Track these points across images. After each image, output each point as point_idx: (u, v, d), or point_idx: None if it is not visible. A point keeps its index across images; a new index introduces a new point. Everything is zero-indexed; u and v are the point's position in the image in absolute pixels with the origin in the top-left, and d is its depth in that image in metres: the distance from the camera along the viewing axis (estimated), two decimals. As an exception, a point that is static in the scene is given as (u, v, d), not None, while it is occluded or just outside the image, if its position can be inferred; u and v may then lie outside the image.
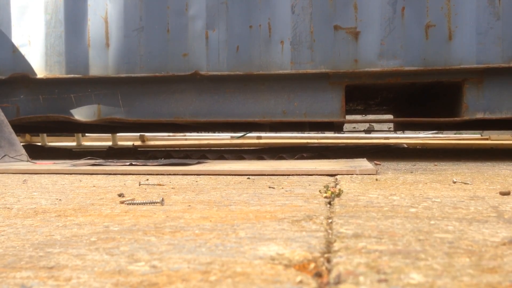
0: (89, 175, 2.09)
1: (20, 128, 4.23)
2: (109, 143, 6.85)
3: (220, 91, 3.12)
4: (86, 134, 7.34)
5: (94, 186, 1.68)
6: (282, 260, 0.68)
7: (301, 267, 0.65)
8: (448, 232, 0.83)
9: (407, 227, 0.87)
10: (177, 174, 2.06)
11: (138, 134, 6.95)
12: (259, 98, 3.08)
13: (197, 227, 0.92)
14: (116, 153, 4.36)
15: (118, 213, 1.10)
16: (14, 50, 3.32)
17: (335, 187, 1.50)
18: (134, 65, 3.16)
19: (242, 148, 5.57)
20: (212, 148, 5.45)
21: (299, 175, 1.96)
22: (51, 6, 3.26)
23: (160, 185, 1.66)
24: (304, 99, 3.04)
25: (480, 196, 1.27)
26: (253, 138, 7.00)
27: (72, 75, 3.23)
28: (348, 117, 6.00)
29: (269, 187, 1.55)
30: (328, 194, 1.31)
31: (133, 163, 2.43)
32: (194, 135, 7.59)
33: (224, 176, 1.96)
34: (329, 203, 1.20)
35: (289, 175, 1.97)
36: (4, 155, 2.79)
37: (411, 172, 2.06)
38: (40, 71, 3.29)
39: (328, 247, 0.75)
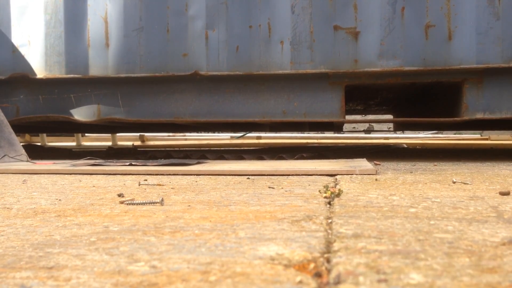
0: (89, 175, 2.09)
1: (20, 128, 4.23)
2: (109, 143, 6.85)
3: (220, 91, 3.12)
4: (86, 134, 7.34)
5: (93, 186, 1.68)
6: (282, 260, 0.68)
7: (301, 267, 0.65)
8: (447, 232, 0.83)
9: (406, 227, 0.87)
10: (177, 174, 2.06)
11: (138, 134, 6.95)
12: (259, 98, 3.08)
13: (196, 227, 0.92)
14: (115, 153, 4.36)
15: (117, 213, 1.10)
16: (14, 50, 3.32)
17: (335, 187, 1.50)
18: (134, 65, 3.16)
19: (242, 148, 5.57)
20: (212, 148, 5.45)
21: (299, 175, 1.96)
22: (50, 6, 3.26)
23: (159, 185, 1.66)
24: (304, 99, 3.04)
25: (480, 196, 1.27)
26: (253, 138, 7.00)
27: (72, 75, 3.23)
28: (348, 117, 6.00)
29: (269, 187, 1.55)
30: (327, 194, 1.31)
31: (132, 163, 2.43)
32: (194, 135, 7.59)
33: (224, 176, 1.96)
34: (329, 203, 1.20)
35: (288, 175, 1.97)
36: (4, 155, 2.79)
37: (410, 172, 2.06)
38: (40, 71, 3.29)
39: (328, 247, 0.75)
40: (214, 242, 0.80)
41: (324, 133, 7.87)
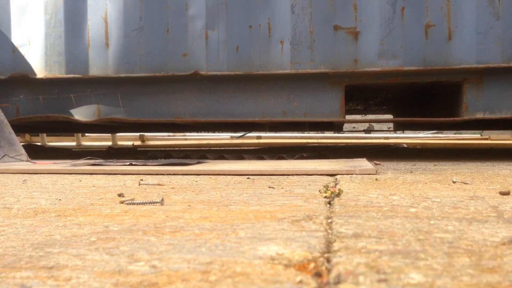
0: (89, 175, 2.09)
1: (20, 128, 4.23)
2: (109, 143, 6.85)
3: (220, 91, 3.12)
4: (86, 134, 7.34)
5: (94, 186, 1.68)
6: (282, 260, 0.68)
7: (301, 267, 0.65)
8: (448, 232, 0.83)
9: (407, 227, 0.87)
10: (177, 174, 2.06)
11: (138, 134, 6.94)
12: (259, 98, 3.08)
13: (197, 227, 0.92)
14: (116, 153, 4.36)
15: (118, 213, 1.10)
16: (14, 50, 3.32)
17: (335, 187, 1.50)
18: (134, 65, 3.16)
19: (242, 148, 5.57)
20: (212, 148, 5.45)
21: (299, 175, 1.96)
22: (50, 6, 3.26)
23: (160, 185, 1.66)
24: (304, 99, 3.04)
25: (480, 196, 1.27)
26: (253, 138, 7.00)
27: (72, 75, 3.23)
28: (348, 117, 6.00)
29: (269, 187, 1.55)
30: (328, 194, 1.31)
31: (133, 163, 2.43)
32: (194, 135, 7.59)
33: (224, 176, 1.96)
34: (329, 203, 1.20)
35: (289, 175, 1.97)
36: (4, 155, 2.79)
37: (410, 172, 2.06)
38: (40, 71, 3.29)
39: (328, 247, 0.75)
40: (214, 242, 0.80)
41: (324, 133, 7.87)
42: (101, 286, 0.58)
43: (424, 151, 4.47)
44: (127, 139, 7.27)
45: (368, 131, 7.68)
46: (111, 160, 2.88)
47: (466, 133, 7.82)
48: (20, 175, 2.14)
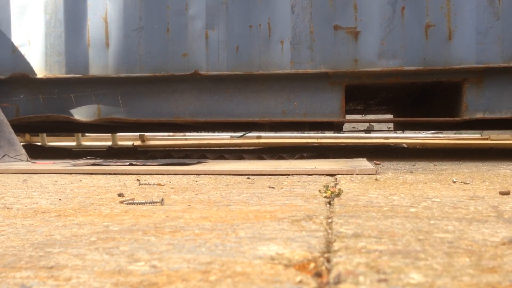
0: (89, 175, 2.09)
1: (20, 128, 4.23)
2: (109, 143, 6.85)
3: (220, 91, 3.12)
4: (86, 134, 7.34)
5: (94, 186, 1.68)
6: (282, 260, 0.68)
7: (301, 267, 0.65)
8: (448, 232, 0.83)
9: (407, 227, 0.87)
10: (177, 174, 2.06)
11: (138, 134, 6.94)
12: (259, 98, 3.08)
13: (197, 227, 0.92)
14: (116, 153, 4.36)
15: (118, 213, 1.10)
16: (14, 50, 3.32)
17: (335, 187, 1.50)
18: (134, 65, 3.16)
19: (242, 148, 5.57)
20: (212, 148, 5.45)
21: (299, 175, 1.96)
22: (50, 6, 3.26)
23: (160, 185, 1.66)
24: (304, 99, 3.04)
25: (480, 196, 1.27)
26: (253, 138, 7.00)
27: (72, 75, 3.23)
28: (348, 117, 6.00)
29: (269, 187, 1.55)
30: (328, 194, 1.31)
31: (133, 163, 2.43)
32: (194, 135, 7.59)
33: (224, 176, 1.96)
34: (329, 202, 1.20)
35: (289, 175, 1.97)
36: (4, 155, 2.79)
37: (410, 172, 2.06)
38: (40, 71, 3.29)
39: (328, 247, 0.75)
40: (214, 241, 0.80)
41: (324, 133, 7.87)
42: (101, 286, 0.58)
43: (424, 151, 4.47)
44: (127, 139, 7.27)
45: (368, 131, 7.68)
46: (111, 160, 2.88)
47: (466, 133, 7.81)
48: (20, 175, 2.14)
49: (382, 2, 2.90)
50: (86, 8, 3.22)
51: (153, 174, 2.08)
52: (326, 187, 1.43)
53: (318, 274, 0.61)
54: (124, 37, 3.17)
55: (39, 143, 6.55)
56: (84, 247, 0.78)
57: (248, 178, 1.87)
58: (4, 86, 3.34)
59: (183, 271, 0.63)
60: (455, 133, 7.89)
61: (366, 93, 4.23)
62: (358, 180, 1.72)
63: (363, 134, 7.51)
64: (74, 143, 7.00)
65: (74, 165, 2.41)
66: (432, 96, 3.95)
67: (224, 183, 1.69)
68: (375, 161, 2.72)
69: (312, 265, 0.66)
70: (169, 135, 7.39)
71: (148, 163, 2.39)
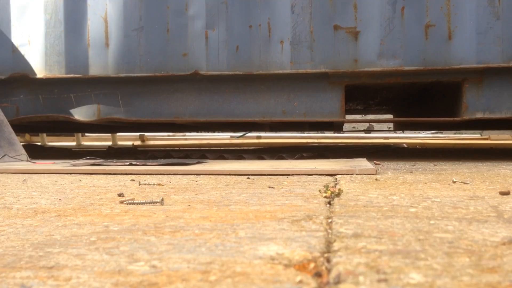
0: (89, 175, 2.09)
1: (20, 128, 4.23)
2: (109, 143, 6.85)
3: (219, 91, 3.12)
4: (86, 134, 7.34)
5: (94, 186, 1.68)
6: (282, 260, 0.68)
7: (301, 267, 0.65)
8: (447, 232, 0.83)
9: (406, 227, 0.87)
10: (177, 174, 2.06)
11: (138, 134, 6.94)
12: (258, 98, 3.08)
13: (197, 227, 0.92)
14: (115, 153, 4.36)
15: (117, 213, 1.10)
16: (14, 50, 3.32)
17: (335, 187, 1.50)
18: (134, 65, 3.16)
19: (242, 148, 5.57)
20: (211, 148, 5.45)
21: (298, 175, 1.96)
22: (50, 6, 3.26)
23: (160, 185, 1.66)
24: (304, 99, 3.04)
25: (480, 196, 1.27)
26: (253, 138, 7.00)
27: (71, 75, 3.23)
28: (348, 117, 6.00)
29: (269, 187, 1.55)
30: (328, 194, 1.31)
31: (132, 163, 2.43)
32: (193, 135, 7.59)
33: (224, 176, 1.96)
34: (329, 202, 1.20)
35: (288, 175, 1.97)
36: (4, 155, 2.79)
37: (410, 172, 2.06)
38: (40, 71, 3.29)
39: (328, 247, 0.75)
40: (214, 241, 0.80)
41: (324, 133, 7.87)
42: (101, 286, 0.58)
43: (424, 151, 4.47)
44: (127, 139, 7.27)
45: (368, 131, 7.67)
46: (111, 160, 2.88)
47: (466, 133, 7.81)
48: (20, 175, 2.14)
49: (382, 2, 2.90)
50: (86, 8, 3.22)
51: (153, 174, 2.08)
52: (326, 187, 1.43)
53: (318, 274, 0.61)
54: (124, 37, 3.17)
55: (39, 143, 6.55)
56: (84, 247, 0.78)
57: (248, 178, 1.87)
58: (4, 86, 3.34)
59: (183, 271, 0.63)
60: (455, 133, 7.89)
61: (366, 93, 4.23)
62: (358, 180, 1.72)
63: (363, 134, 7.51)
64: (74, 143, 7.00)
65: (74, 165, 2.41)
66: (432, 96, 3.95)
67: (224, 183, 1.69)
68: (375, 161, 2.72)
69: (312, 265, 0.66)
70: (169, 135, 7.39)
71: (148, 163, 2.39)
